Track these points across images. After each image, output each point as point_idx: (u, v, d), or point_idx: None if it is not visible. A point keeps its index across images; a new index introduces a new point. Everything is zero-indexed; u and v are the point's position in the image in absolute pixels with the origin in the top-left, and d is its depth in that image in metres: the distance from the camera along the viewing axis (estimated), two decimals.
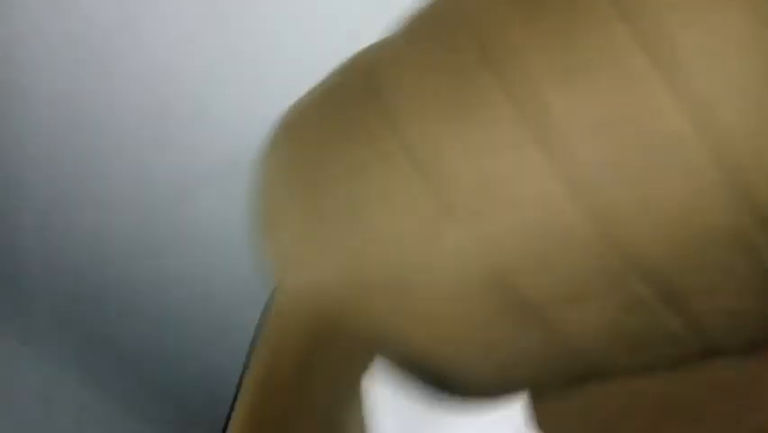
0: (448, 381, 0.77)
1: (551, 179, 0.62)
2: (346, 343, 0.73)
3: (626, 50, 0.59)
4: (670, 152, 0.60)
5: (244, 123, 0.92)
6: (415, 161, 0.66)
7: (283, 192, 0.75)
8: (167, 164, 1.02)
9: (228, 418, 0.71)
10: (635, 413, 0.71)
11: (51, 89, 0.98)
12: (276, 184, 0.76)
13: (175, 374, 1.23)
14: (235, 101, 0.96)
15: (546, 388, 0.72)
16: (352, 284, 0.72)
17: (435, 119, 0.66)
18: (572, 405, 0.72)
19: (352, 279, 0.72)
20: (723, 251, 0.62)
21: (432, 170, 0.66)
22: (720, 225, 0.60)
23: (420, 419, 0.72)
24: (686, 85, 0.58)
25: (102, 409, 1.19)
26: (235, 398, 0.73)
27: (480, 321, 0.70)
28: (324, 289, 0.73)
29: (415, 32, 0.72)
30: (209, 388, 1.14)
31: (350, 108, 0.72)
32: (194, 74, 0.95)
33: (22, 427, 1.07)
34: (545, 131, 0.62)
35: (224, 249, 1.05)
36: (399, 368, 0.74)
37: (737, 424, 0.65)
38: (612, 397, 0.72)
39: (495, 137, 0.64)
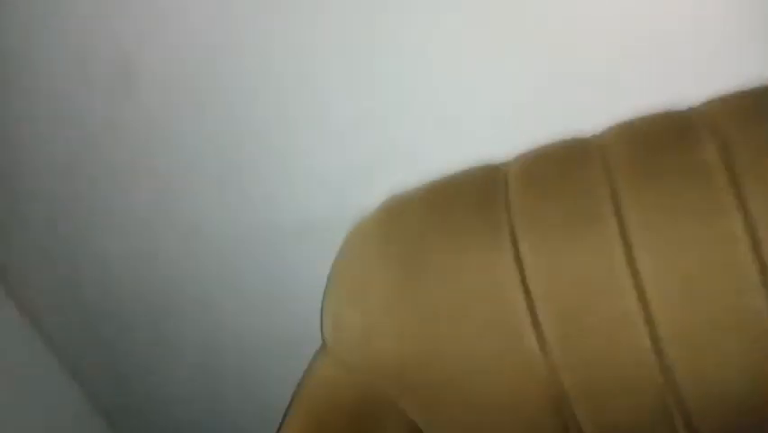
0: None
1: (642, 330, 0.69)
2: (393, 424, 0.77)
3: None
4: (749, 330, 0.67)
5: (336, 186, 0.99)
6: (521, 276, 0.73)
7: (378, 266, 0.80)
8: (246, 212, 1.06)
9: None
10: None
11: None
12: (372, 256, 0.81)
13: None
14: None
15: None
16: (416, 370, 0.76)
17: (548, 241, 0.73)
18: None
19: (417, 364, 0.76)
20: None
21: (534, 289, 0.72)
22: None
23: None
24: None
25: None
26: None
27: (519, 428, 0.75)
28: (388, 367, 0.77)
29: (546, 159, 0.79)
30: None
31: (466, 209, 0.78)
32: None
33: None
34: (640, 285, 0.70)
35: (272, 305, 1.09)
36: None
37: None
38: None
39: (593, 279, 0.71)
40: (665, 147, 0.73)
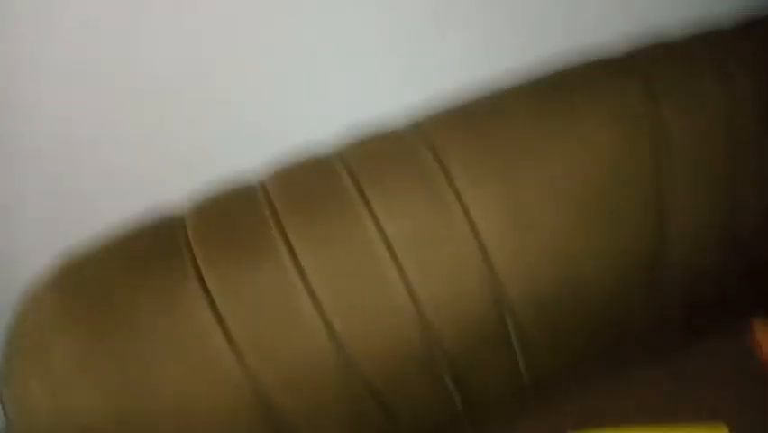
0: None
1: (320, 329, 0.81)
2: None
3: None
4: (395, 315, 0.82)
5: None
6: (213, 310, 0.79)
7: (62, 329, 0.78)
8: None
9: None
10: None
11: None
12: (54, 320, 0.79)
13: None
14: None
15: None
16: (125, 426, 0.77)
17: (231, 275, 0.80)
18: None
19: (126, 421, 0.77)
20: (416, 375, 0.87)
21: (229, 320, 0.79)
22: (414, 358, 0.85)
23: None
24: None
25: None
26: None
27: None
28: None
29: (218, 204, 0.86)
30: None
31: (148, 259, 0.81)
32: None
33: None
34: (316, 298, 0.81)
35: None
36: None
37: None
38: None
39: (275, 300, 0.80)
40: (313, 186, 0.86)
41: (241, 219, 0.83)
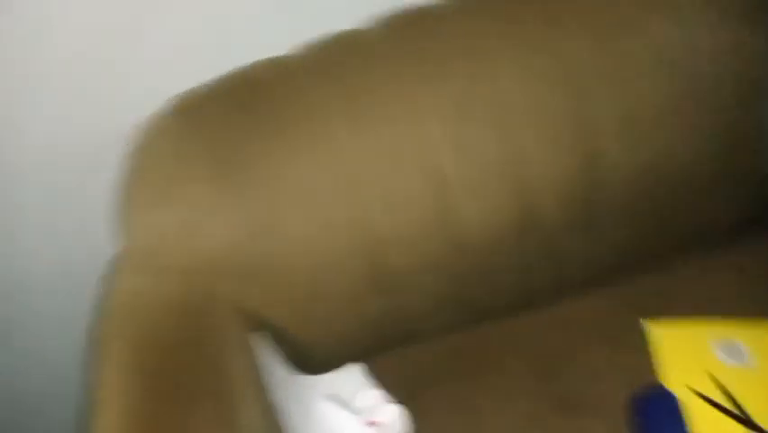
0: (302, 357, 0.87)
1: (420, 181, 0.82)
2: (221, 318, 0.77)
3: None
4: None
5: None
6: (316, 149, 0.79)
7: (188, 163, 0.77)
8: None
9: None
10: (450, 364, 0.89)
11: None
12: (179, 154, 0.78)
13: None
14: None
15: (376, 351, 0.89)
16: (256, 263, 0.78)
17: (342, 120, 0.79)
18: (403, 360, 0.89)
19: (257, 258, 0.78)
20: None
21: (331, 158, 0.79)
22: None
23: (289, 380, 0.82)
24: None
25: None
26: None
27: (343, 287, 0.82)
28: (223, 263, 0.77)
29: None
30: None
31: (272, 100, 0.80)
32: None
33: None
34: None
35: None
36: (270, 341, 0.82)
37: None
38: (433, 352, 0.91)
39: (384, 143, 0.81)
40: None
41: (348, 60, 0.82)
